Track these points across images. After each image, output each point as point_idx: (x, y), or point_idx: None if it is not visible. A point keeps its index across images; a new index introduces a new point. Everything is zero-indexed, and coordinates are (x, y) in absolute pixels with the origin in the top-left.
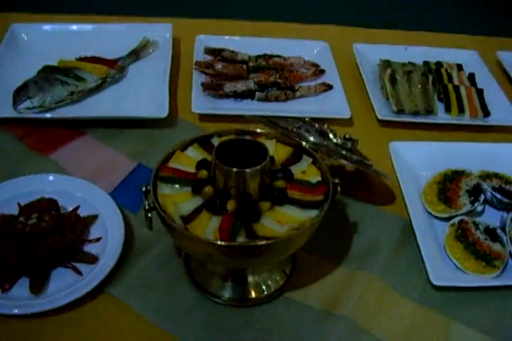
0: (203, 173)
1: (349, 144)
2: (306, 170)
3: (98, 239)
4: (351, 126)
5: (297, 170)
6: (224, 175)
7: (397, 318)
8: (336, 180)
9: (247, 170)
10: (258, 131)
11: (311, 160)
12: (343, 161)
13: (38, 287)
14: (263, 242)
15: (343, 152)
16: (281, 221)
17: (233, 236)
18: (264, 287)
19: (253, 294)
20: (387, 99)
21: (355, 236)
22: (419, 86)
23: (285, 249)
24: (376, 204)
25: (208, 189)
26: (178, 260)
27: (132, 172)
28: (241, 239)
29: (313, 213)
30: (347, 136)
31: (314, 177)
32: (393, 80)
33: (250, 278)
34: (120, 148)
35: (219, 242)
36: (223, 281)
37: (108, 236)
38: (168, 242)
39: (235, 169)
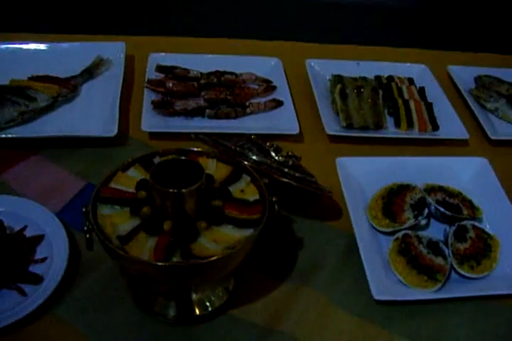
0: (142, 194)
1: (291, 161)
2: (244, 189)
3: (43, 259)
4: (301, 142)
5: (236, 188)
6: (161, 195)
7: (338, 334)
8: (274, 198)
9: (183, 191)
10: (199, 150)
11: (249, 178)
12: (284, 179)
13: None
14: (199, 261)
15: (285, 169)
16: (217, 240)
17: (168, 255)
18: (208, 303)
19: (197, 311)
20: (337, 114)
21: (300, 252)
22: (369, 100)
23: (222, 268)
24: (322, 219)
25: (146, 209)
26: (122, 280)
27: (81, 191)
28: (176, 259)
29: (249, 232)
30: (290, 153)
31: (252, 195)
32: (343, 95)
33: (194, 296)
34: (70, 168)
35: (153, 262)
36: (167, 300)
37: (54, 256)
38: (113, 262)
39: (170, 190)
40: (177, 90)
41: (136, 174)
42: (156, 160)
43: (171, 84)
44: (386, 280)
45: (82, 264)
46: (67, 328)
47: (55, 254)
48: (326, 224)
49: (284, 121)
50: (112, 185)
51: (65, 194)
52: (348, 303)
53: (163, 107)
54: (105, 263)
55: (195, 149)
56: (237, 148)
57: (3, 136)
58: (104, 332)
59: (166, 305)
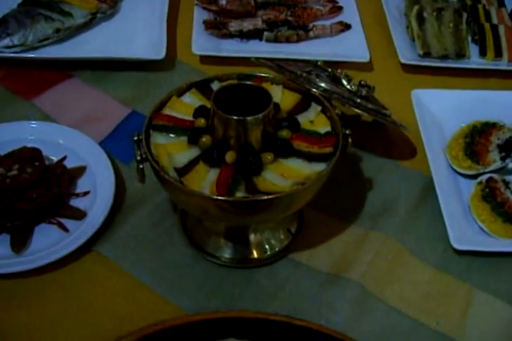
0: (201, 122)
1: (364, 91)
2: (314, 120)
3: (86, 193)
4: (370, 71)
5: (305, 119)
6: (223, 123)
7: (412, 284)
8: (347, 131)
9: (249, 119)
10: (263, 75)
11: (320, 108)
12: (356, 110)
13: (19, 244)
14: (264, 197)
15: (358, 100)
16: (285, 174)
17: (231, 190)
18: (267, 246)
19: (255, 254)
20: (413, 40)
21: (370, 193)
22: (450, 25)
23: (288, 206)
24: (395, 158)
25: (206, 139)
26: (173, 217)
27: (125, 119)
28: (240, 194)
29: (320, 167)
30: (363, 83)
31: (323, 127)
32: (421, 18)
33: (252, 237)
34: (112, 93)
35: (215, 197)
36: (222, 240)
37: (97, 189)
38: (163, 197)
39: (234, 117)
40: (231, 9)
41: (192, 100)
42: (215, 85)
43: (224, 2)
44: (466, 229)
45: (129, 199)
46: (112, 268)
47: (98, 188)
48: (400, 164)
49: (352, 46)
50: (166, 111)
51: (108, 121)
52: (423, 252)
53: (215, 28)
54: (154, 198)
55: (260, 74)
56: (305, 74)
57: (37, 55)
58: (152, 274)
59: (222, 246)
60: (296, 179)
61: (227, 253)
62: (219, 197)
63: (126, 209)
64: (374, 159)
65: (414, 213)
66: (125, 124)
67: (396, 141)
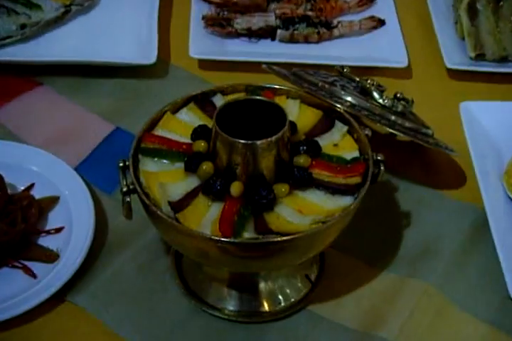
0: (201, 145)
1: (400, 106)
2: (338, 143)
3: (59, 230)
4: (409, 79)
5: (327, 142)
6: (227, 148)
7: None
8: (379, 157)
9: (259, 143)
10: (276, 87)
11: (346, 128)
12: (391, 130)
13: None
14: (277, 239)
15: (392, 117)
16: (303, 210)
17: (238, 229)
18: (280, 297)
19: (266, 306)
20: (463, 39)
21: (407, 231)
22: (511, 19)
23: (307, 249)
24: (438, 187)
25: (207, 166)
26: (165, 260)
27: (107, 138)
28: (248, 235)
29: (346, 201)
30: (399, 95)
31: (350, 152)
32: (473, 12)
33: (262, 285)
34: (91, 105)
35: (218, 238)
36: (226, 289)
37: (73, 225)
38: (154, 236)
39: (242, 141)
40: (238, 1)
41: (190, 118)
42: (217, 99)
43: None
44: None
45: (112, 238)
46: (90, 322)
47: (74, 223)
48: (444, 194)
49: (387, 48)
50: (159, 131)
51: (86, 141)
52: (473, 304)
53: (218, 25)
54: (142, 236)
55: (272, 85)
56: (327, 86)
57: None
58: (140, 330)
59: (225, 296)
60: (316, 216)
61: (231, 305)
62: (222, 239)
63: (108, 250)
64: (412, 189)
65: (463, 256)
66: (107, 145)
67: (440, 167)
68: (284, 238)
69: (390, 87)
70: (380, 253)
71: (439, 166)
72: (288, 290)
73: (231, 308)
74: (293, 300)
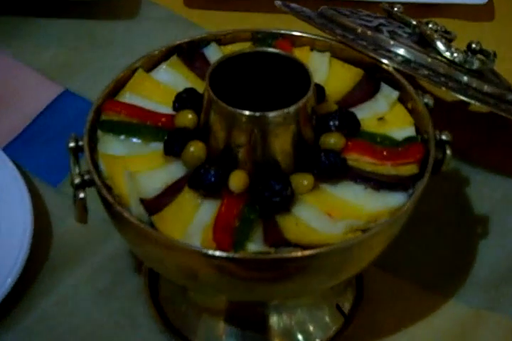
0: (187, 118)
1: (477, 62)
2: (385, 115)
3: None
4: (489, 22)
5: (369, 114)
6: (227, 122)
7: None
8: (445, 136)
9: (270, 115)
10: (297, 34)
11: (396, 94)
12: (462, 97)
13: None
14: (297, 254)
15: (464, 78)
16: (334, 213)
17: (240, 239)
18: (300, 336)
19: None
20: None
21: (484, 245)
22: None
23: (339, 268)
24: None
25: (196, 148)
26: (135, 281)
27: (51, 105)
28: (254, 247)
29: (396, 199)
30: (474, 46)
31: (402, 128)
32: None
33: (274, 320)
34: (28, 58)
35: (212, 251)
36: (222, 324)
37: (1, 231)
38: (118, 248)
39: (247, 112)
40: None
41: (172, 78)
42: (211, 51)
43: None
44: None
45: (57, 249)
46: None
47: (1, 230)
48: None
49: None
50: (127, 97)
51: (20, 109)
52: None
53: None
54: (102, 248)
55: (290, 32)
56: (370, 32)
57: None
58: None
59: (220, 335)
60: (353, 221)
61: None
62: (217, 253)
63: (51, 269)
64: (492, 182)
65: None
66: (51, 114)
67: None
68: (307, 253)
69: (461, 35)
70: (443, 274)
71: None
72: (311, 328)
73: None
74: (319, 340)
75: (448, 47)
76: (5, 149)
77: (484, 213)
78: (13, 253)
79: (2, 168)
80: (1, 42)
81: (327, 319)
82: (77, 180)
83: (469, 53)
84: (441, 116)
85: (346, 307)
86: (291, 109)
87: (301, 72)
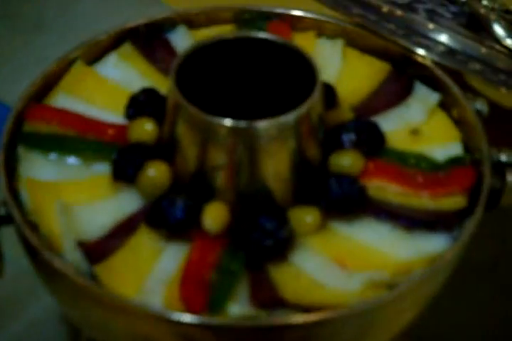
0: (145, 129)
1: None
2: (421, 127)
3: None
4: None
5: (398, 124)
6: (200, 135)
7: None
8: (505, 156)
9: (261, 125)
10: (298, 14)
11: (437, 98)
12: None
13: None
14: (297, 319)
15: None
16: (349, 262)
17: (217, 298)
18: None
19: None
20: None
21: None
22: None
23: (356, 339)
24: None
25: (157, 171)
26: None
27: None
28: (237, 309)
29: (435, 244)
30: None
31: (444, 145)
32: None
33: None
34: None
35: (178, 316)
36: None
37: None
38: (45, 310)
39: (228, 122)
40: None
41: (123, 73)
42: (179, 36)
43: None
44: None
45: None
46: None
47: None
48: None
49: None
50: (60, 100)
51: None
52: None
53: None
54: (24, 312)
55: (289, 12)
56: (399, 12)
57: None
58: None
59: None
60: (374, 273)
61: None
62: (185, 317)
63: None
64: None
65: None
66: None
67: None
68: (311, 318)
69: None
70: None
71: None
72: None
73: None
74: None
75: (510, 33)
76: None
77: None
78: None
79: None
80: None
81: None
82: None
83: None
84: (499, 128)
85: None
86: (289, 117)
87: (304, 67)
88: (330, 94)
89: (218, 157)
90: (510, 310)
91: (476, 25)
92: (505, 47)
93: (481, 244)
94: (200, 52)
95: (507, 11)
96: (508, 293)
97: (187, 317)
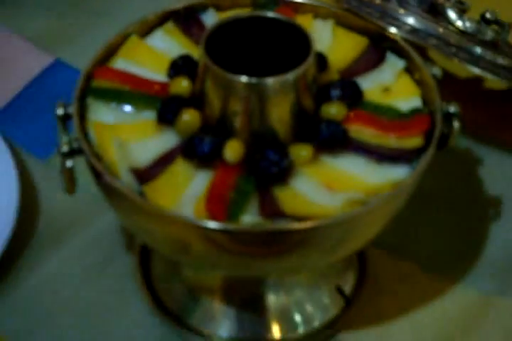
0: (182, 85)
1: (491, 33)
2: (391, 86)
3: None
4: None
5: (374, 84)
6: (222, 89)
7: None
8: (453, 108)
9: (268, 81)
10: (299, 0)
11: (403, 64)
12: (474, 70)
13: None
14: (294, 226)
15: (477, 49)
16: (334, 185)
17: (234, 211)
18: (298, 318)
19: (276, 332)
20: None
21: (495, 228)
22: None
23: (339, 243)
24: None
25: (190, 116)
26: (127, 260)
27: (41, 75)
28: (249, 218)
29: (399, 172)
30: (488, 16)
31: (408, 99)
32: None
33: (271, 300)
34: (19, 27)
35: (203, 222)
36: (217, 305)
37: None
38: (110, 224)
39: (244, 78)
40: None
41: (167, 44)
42: (209, 17)
43: None
44: None
45: (45, 224)
46: None
47: None
48: None
49: None
50: (119, 64)
51: (8, 79)
52: None
53: None
54: (92, 224)
55: None
56: (378, 0)
57: None
58: None
59: (215, 316)
60: (353, 193)
61: (224, 329)
62: (210, 223)
63: (38, 246)
64: (504, 159)
65: None
66: (41, 84)
67: None
68: (304, 225)
69: (475, 6)
70: (451, 258)
71: None
72: (309, 308)
73: (224, 334)
74: (317, 323)
75: (460, 17)
76: None
77: (497, 195)
78: (2, 223)
79: None
80: None
81: (327, 301)
82: (64, 148)
83: (483, 23)
84: (453, 93)
85: (347, 289)
86: (290, 75)
87: (301, 38)
88: (322, 60)
89: (236, 105)
90: (456, 227)
91: (435, 11)
92: (456, 27)
93: (438, 178)
94: (223, 27)
95: (459, 2)
96: (457, 215)
97: (211, 224)
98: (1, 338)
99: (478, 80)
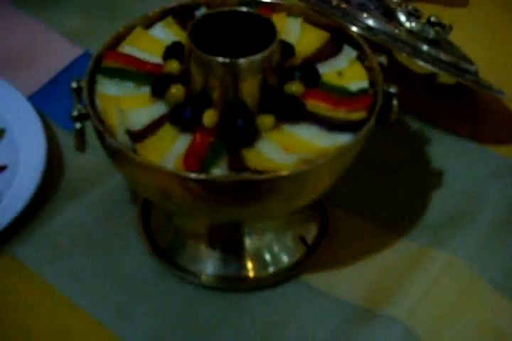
0: (172, 65)
1: (432, 33)
2: (344, 70)
3: (1, 169)
4: (464, 7)
5: (330, 69)
6: (202, 68)
7: (490, 331)
8: (392, 89)
9: (240, 62)
10: (277, 2)
11: (355, 54)
12: (417, 60)
13: None
14: (250, 177)
15: (423, 46)
16: (290, 148)
17: (207, 165)
18: (268, 258)
19: (250, 271)
20: None
21: (436, 192)
22: None
23: (293, 193)
24: (483, 140)
25: (176, 90)
26: (131, 211)
27: (72, 64)
28: (218, 171)
29: (344, 139)
30: (433, 19)
31: (357, 82)
32: None
33: (247, 243)
34: (56, 23)
35: (179, 172)
36: (203, 247)
37: (19, 164)
38: (117, 183)
39: (219, 59)
40: None
41: (166, 34)
42: (201, 12)
43: None
44: None
45: (67, 181)
46: (32, 280)
47: (21, 162)
48: (490, 150)
49: None
50: (125, 48)
51: (45, 66)
52: (508, 283)
53: None
54: (105, 182)
55: (269, 1)
56: (342, 4)
57: None
58: (95, 293)
59: (201, 257)
60: (304, 154)
61: (208, 268)
62: (183, 174)
63: (60, 195)
64: (449, 141)
65: (504, 227)
66: (72, 71)
67: (485, 113)
68: (261, 177)
69: (430, 12)
70: (397, 215)
71: (480, 112)
72: (277, 251)
73: (208, 272)
74: (284, 263)
75: (408, 19)
76: (30, 98)
77: (438, 166)
78: (29, 180)
79: (25, 113)
80: (31, 9)
81: (292, 247)
82: (75, 113)
83: (428, 25)
84: (409, 88)
85: (309, 238)
86: (258, 56)
87: (270, 29)
88: (290, 49)
89: (214, 81)
90: (404, 191)
91: (388, 14)
92: (405, 28)
93: (390, 151)
94: (207, 18)
95: (415, 10)
96: (405, 182)
97: (186, 174)
98: (27, 269)
99: (432, 76)
